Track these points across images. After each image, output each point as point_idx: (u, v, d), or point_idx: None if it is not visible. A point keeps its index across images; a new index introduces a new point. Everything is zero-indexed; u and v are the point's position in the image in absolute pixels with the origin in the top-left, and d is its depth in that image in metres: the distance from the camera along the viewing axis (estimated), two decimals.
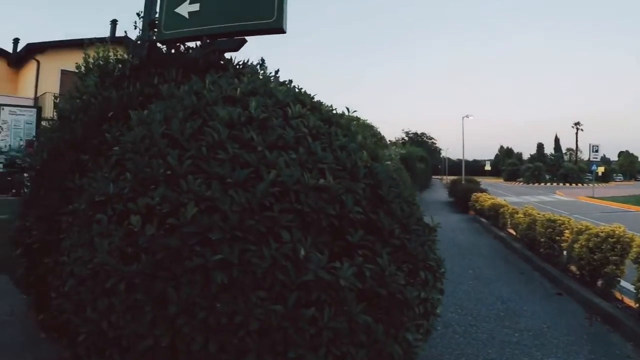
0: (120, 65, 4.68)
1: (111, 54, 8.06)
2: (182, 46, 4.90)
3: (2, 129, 10.68)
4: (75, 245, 2.99)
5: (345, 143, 3.30)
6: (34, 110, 11.32)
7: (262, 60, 4.94)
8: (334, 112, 3.85)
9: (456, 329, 5.44)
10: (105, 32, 24.32)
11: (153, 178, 2.76)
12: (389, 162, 3.82)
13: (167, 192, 2.64)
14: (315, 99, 3.84)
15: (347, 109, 3.96)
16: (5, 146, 10.76)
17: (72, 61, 22.78)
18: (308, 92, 3.91)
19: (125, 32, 5.05)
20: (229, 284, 2.42)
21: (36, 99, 21.75)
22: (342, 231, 2.86)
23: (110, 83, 4.41)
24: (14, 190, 19.19)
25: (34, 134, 10.85)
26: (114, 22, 25.32)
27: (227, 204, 2.52)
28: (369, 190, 3.13)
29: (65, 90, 21.60)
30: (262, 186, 2.61)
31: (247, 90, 3.47)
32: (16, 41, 26.73)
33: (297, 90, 3.92)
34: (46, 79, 22.95)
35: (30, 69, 24.16)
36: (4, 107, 10.87)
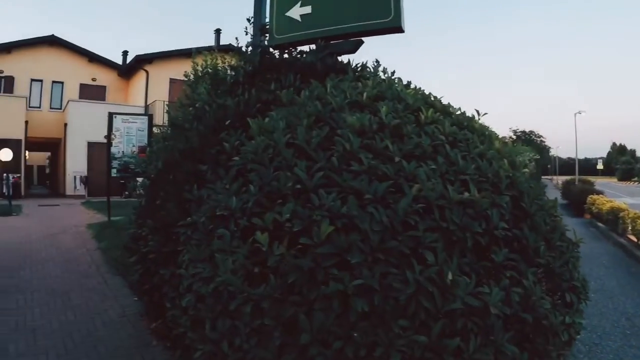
0: (232, 72, 4.58)
1: (219, 61, 8.15)
2: (294, 50, 4.73)
3: (115, 136, 11.11)
4: (194, 260, 2.85)
5: (484, 150, 2.95)
6: (146, 117, 11.71)
7: (377, 61, 4.67)
8: (464, 114, 3.50)
9: (580, 347, 4.92)
10: (209, 42, 25.30)
11: (280, 192, 2.54)
12: (526, 170, 3.41)
13: (298, 207, 2.41)
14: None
15: (477, 111, 3.59)
16: (119, 152, 11.21)
17: (179, 70, 23.73)
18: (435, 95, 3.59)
19: (237, 38, 4.96)
20: (368, 312, 2.15)
21: (146, 106, 22.80)
22: (487, 250, 2.52)
23: (223, 90, 4.31)
24: (126, 193, 20.36)
25: (146, 140, 11.24)
26: (217, 31, 26.18)
27: (367, 222, 2.25)
28: (510, 203, 2.77)
29: (174, 98, 22.67)
30: (405, 202, 2.32)
31: (373, 95, 3.21)
32: (125, 53, 28.45)
33: (423, 92, 3.61)
34: (155, 88, 24.06)
35: (139, 79, 25.44)
36: (117, 116, 11.31)
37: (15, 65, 24.65)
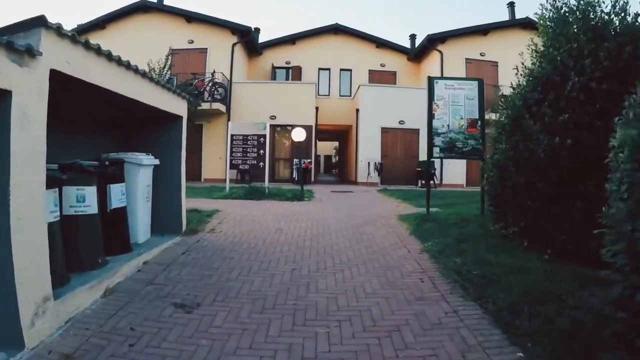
0: None
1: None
2: None
3: (438, 106, 8.59)
4: None
5: None
6: (475, 82, 8.89)
7: None
8: None
9: None
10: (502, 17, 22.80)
11: None
12: None
13: None
14: None
15: None
16: (443, 126, 8.72)
17: (474, 49, 21.80)
18: None
19: None
20: None
21: None
22: None
23: None
24: (423, 182, 18.23)
25: (477, 112, 8.62)
26: (511, 5, 23.93)
27: None
28: None
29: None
30: None
31: None
32: (413, 37, 27.25)
33: None
34: (450, 69, 21.86)
35: (432, 61, 23.62)
36: (438, 81, 8.84)
37: (300, 56, 25.59)
